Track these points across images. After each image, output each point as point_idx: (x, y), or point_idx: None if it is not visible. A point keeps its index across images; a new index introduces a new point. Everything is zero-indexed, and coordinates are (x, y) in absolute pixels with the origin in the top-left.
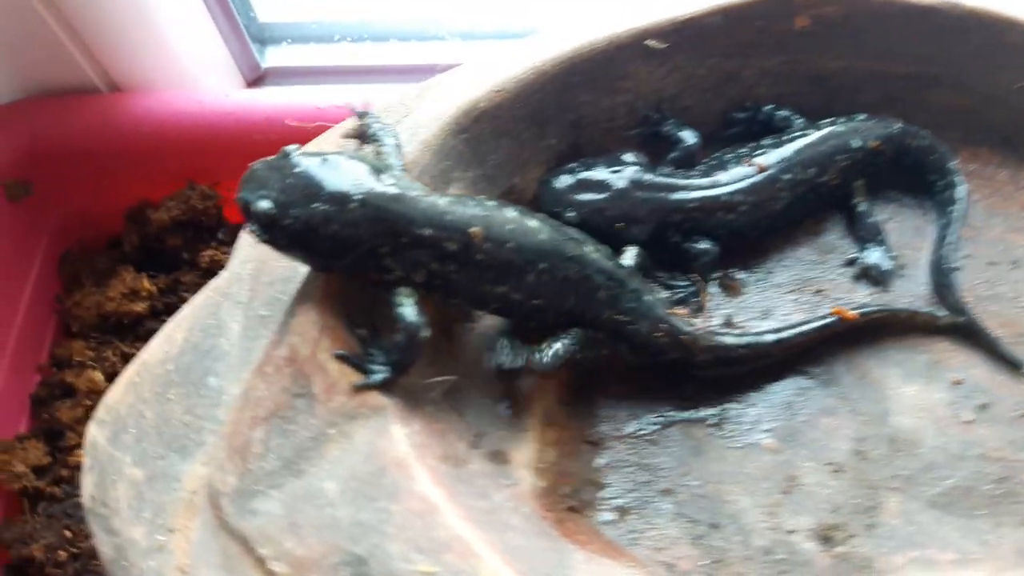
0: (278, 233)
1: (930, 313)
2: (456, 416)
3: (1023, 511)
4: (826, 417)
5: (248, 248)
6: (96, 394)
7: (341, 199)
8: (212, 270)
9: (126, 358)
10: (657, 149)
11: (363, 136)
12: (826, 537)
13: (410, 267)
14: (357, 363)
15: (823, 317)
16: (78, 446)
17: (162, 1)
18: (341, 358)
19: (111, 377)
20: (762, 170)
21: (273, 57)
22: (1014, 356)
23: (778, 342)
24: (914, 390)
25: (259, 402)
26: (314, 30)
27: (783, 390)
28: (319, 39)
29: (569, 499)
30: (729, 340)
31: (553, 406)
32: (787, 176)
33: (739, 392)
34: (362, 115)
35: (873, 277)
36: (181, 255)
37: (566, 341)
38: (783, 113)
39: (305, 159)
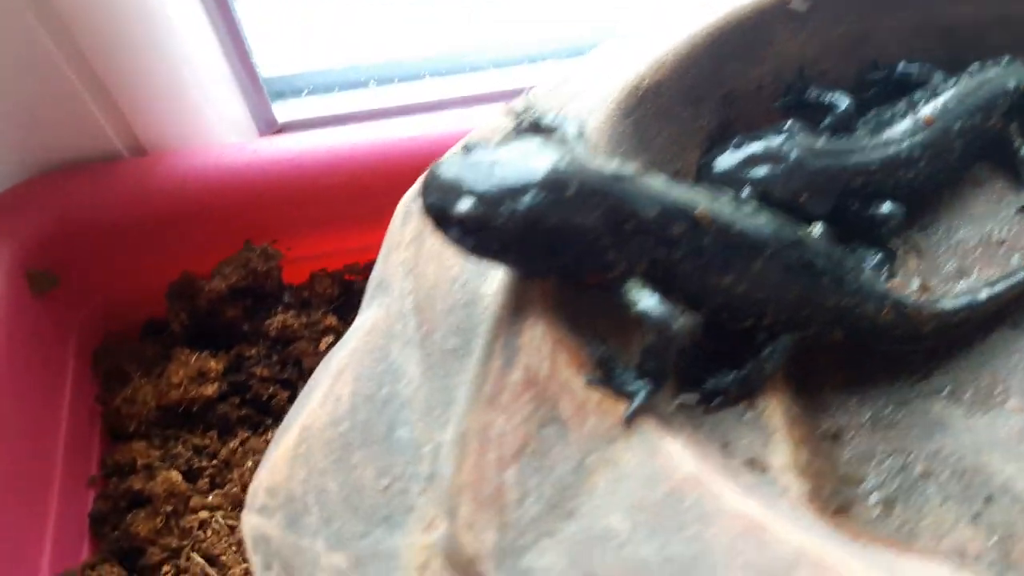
0: (489, 236)
1: None
2: (694, 426)
3: None
4: None
5: (401, 281)
6: (176, 496)
7: (557, 185)
8: (284, 339)
9: (200, 451)
10: (803, 119)
11: (532, 131)
12: None
13: (634, 257)
14: (613, 385)
15: None
16: (164, 562)
17: (190, 57)
18: (593, 384)
19: (190, 475)
20: (929, 122)
21: (285, 111)
22: None
23: (993, 298)
24: None
25: (502, 439)
26: (321, 79)
27: (1005, 346)
28: (327, 88)
29: (832, 500)
30: (948, 305)
31: (789, 401)
32: (957, 125)
33: (962, 356)
34: (521, 112)
35: None
36: (241, 327)
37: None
38: (921, 67)
39: (499, 149)
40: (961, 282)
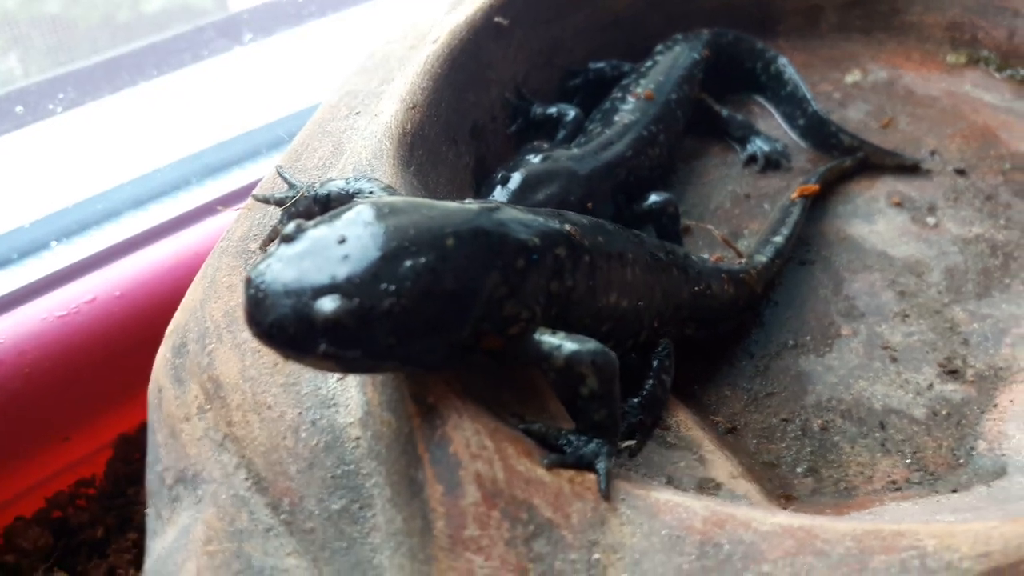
0: (375, 333)
1: (840, 160)
2: (636, 465)
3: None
4: (857, 283)
5: (215, 459)
6: None
7: (433, 241)
8: None
9: None
10: (534, 137)
11: (318, 208)
12: (953, 371)
13: (533, 299)
14: (572, 459)
15: (793, 203)
16: None
17: None
18: (554, 466)
19: None
20: (650, 97)
21: None
22: (912, 159)
23: (788, 238)
24: (881, 227)
25: None
26: None
27: (807, 282)
28: None
29: (775, 489)
30: (763, 259)
31: (686, 411)
32: (673, 96)
33: (779, 308)
34: (282, 199)
35: (775, 161)
36: None
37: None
38: (608, 63)
39: (323, 228)
40: (741, 241)
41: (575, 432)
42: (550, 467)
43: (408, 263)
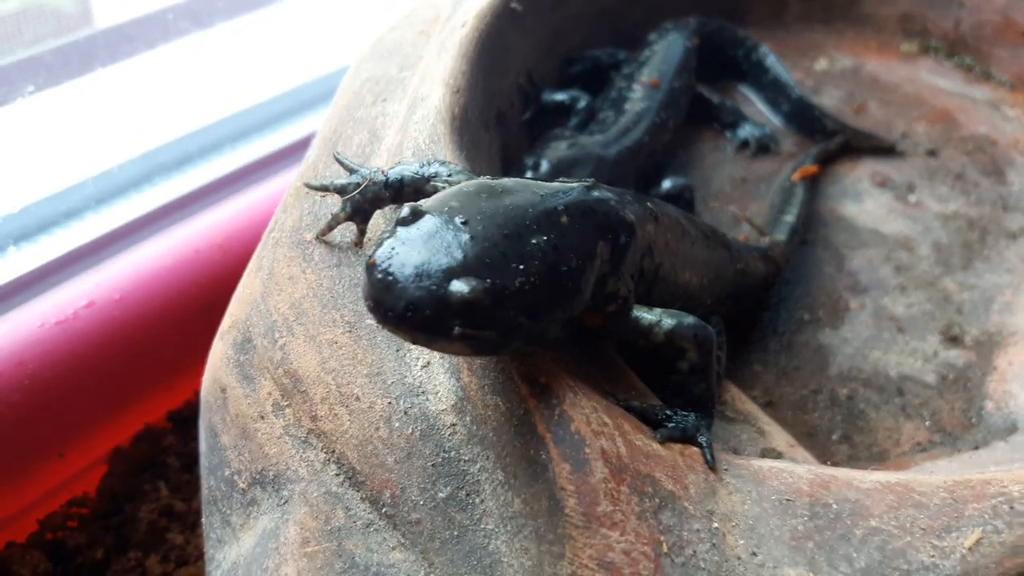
0: (508, 311)
1: (826, 143)
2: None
3: (1002, 237)
4: (856, 259)
5: (300, 456)
6: None
7: (550, 219)
8: None
9: None
10: (544, 124)
11: (389, 193)
12: (953, 338)
13: (628, 276)
14: (679, 433)
15: (794, 186)
16: None
17: None
18: (665, 439)
19: None
20: (656, 84)
21: None
22: (888, 141)
23: (799, 217)
24: (870, 206)
25: (631, 557)
26: None
27: (811, 261)
28: None
29: (822, 457)
30: (783, 236)
31: (741, 393)
32: (676, 84)
33: (790, 284)
34: (343, 186)
35: (765, 146)
36: None
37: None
38: (603, 51)
39: (460, 202)
40: (743, 224)
41: (671, 407)
42: (662, 441)
43: (533, 241)
